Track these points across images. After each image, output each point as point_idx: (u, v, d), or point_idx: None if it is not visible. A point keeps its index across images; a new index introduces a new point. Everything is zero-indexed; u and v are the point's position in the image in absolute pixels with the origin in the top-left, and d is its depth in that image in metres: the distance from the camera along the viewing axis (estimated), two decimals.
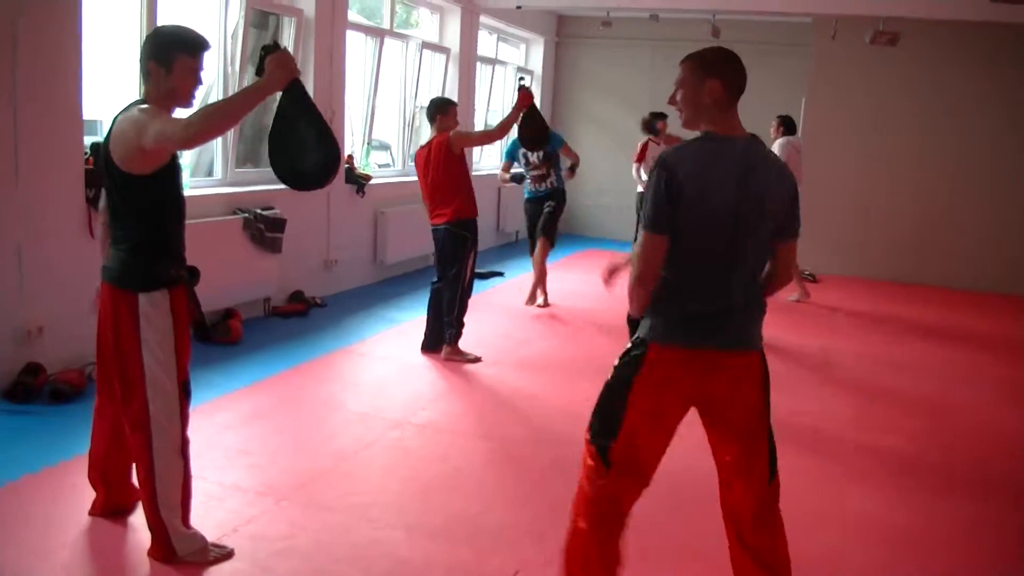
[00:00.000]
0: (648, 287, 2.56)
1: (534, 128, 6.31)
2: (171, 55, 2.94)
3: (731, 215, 2.51)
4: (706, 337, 2.57)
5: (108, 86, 5.18)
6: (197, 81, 3.02)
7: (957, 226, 10.11)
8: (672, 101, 2.68)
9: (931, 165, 10.13)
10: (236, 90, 6.11)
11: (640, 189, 9.10)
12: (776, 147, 8.24)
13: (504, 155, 7.91)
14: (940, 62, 9.91)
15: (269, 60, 2.89)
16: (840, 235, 10.35)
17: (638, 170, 8.88)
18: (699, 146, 2.58)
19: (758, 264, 2.66)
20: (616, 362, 2.66)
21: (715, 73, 2.57)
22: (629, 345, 2.64)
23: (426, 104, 9.81)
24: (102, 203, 3.17)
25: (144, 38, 3.01)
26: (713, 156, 2.55)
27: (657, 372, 2.57)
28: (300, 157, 3.09)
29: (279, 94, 3.03)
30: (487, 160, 11.45)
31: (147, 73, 2.97)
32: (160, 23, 5.45)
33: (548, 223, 7.64)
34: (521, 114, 6.04)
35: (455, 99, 6.79)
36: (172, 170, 3.04)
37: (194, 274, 3.15)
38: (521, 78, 6.05)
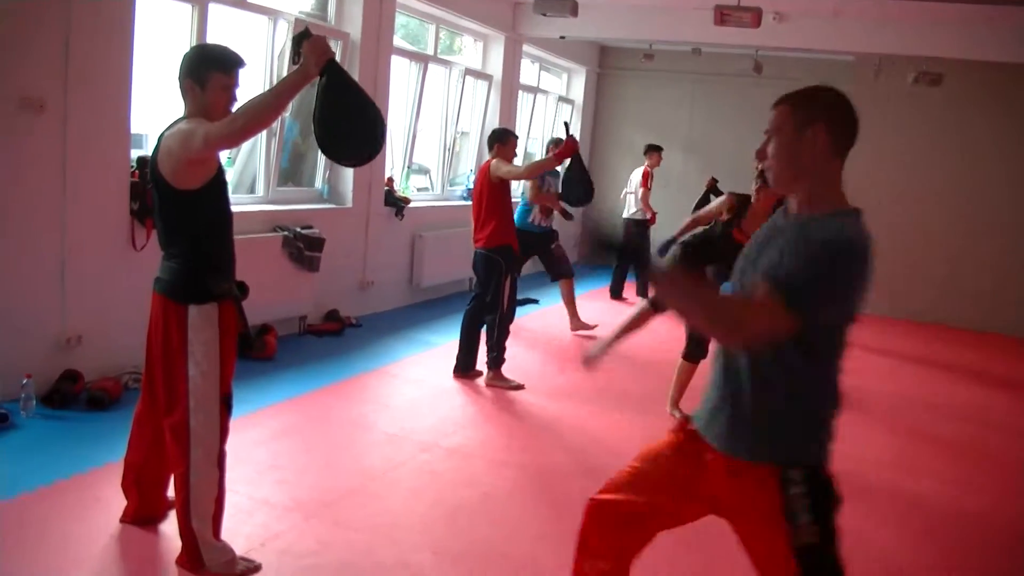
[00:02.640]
0: None
1: (577, 182, 6.27)
2: (205, 72, 3.00)
3: None
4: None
5: (156, 101, 5.28)
6: (232, 98, 3.07)
7: (998, 270, 9.96)
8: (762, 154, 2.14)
9: (973, 207, 10.00)
10: None
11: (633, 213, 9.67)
12: None
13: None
14: (983, 104, 9.82)
15: (304, 47, 2.92)
16: (876, 275, 10.24)
17: (646, 197, 9.46)
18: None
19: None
20: None
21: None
22: None
23: (466, 130, 10.00)
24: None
25: (181, 57, 3.07)
26: None
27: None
28: (347, 131, 3.08)
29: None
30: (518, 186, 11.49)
31: (184, 90, 3.04)
32: (208, 41, 5.55)
33: (566, 262, 7.94)
34: (565, 164, 6.07)
35: (496, 126, 6.84)
36: (219, 185, 3.10)
37: (243, 289, 3.19)
38: (565, 122, 6.10)
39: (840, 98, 2.06)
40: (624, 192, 10.00)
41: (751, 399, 2.07)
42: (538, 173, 6.17)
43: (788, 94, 2.10)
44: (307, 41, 2.92)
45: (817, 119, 2.02)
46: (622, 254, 2.08)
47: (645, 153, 9.93)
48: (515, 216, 7.64)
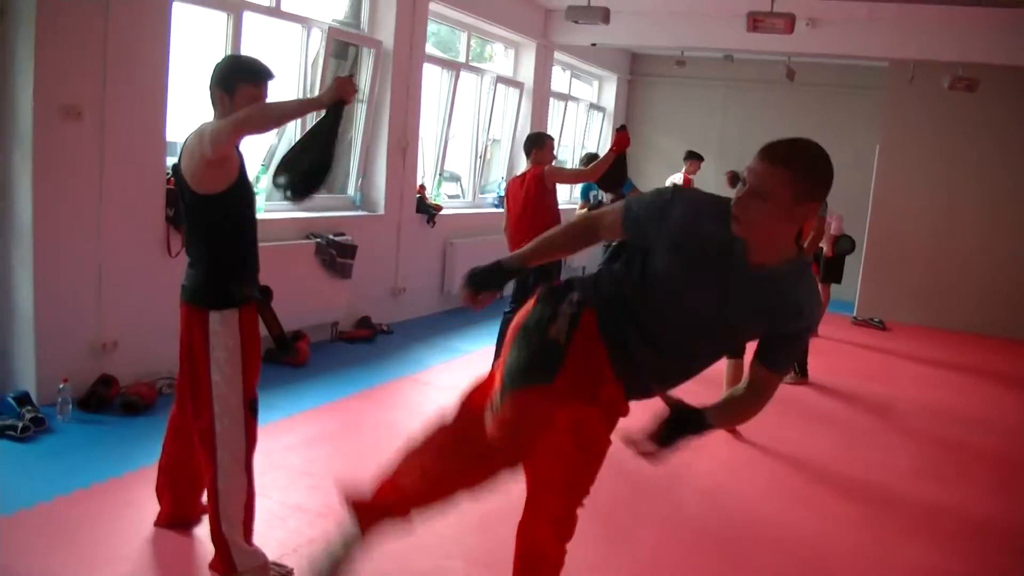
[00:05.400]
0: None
1: (616, 171, 6.27)
2: (234, 83, 3.01)
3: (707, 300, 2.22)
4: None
5: (192, 109, 5.33)
6: None
7: None
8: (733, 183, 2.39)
9: (1007, 214, 9.85)
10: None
11: None
12: None
13: (580, 194, 8.06)
14: (1018, 109, 9.68)
15: (334, 80, 2.98)
16: (910, 283, 10.11)
17: None
18: (724, 207, 2.09)
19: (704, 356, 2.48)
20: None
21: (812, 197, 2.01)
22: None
23: (497, 138, 10.00)
24: None
25: (213, 66, 3.10)
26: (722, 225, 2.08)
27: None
28: (301, 167, 3.05)
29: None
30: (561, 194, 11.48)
31: (213, 99, 3.06)
32: (243, 51, 5.61)
33: None
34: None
35: (528, 133, 6.84)
36: (242, 190, 3.10)
37: (265, 293, 3.20)
38: (623, 126, 6.09)
39: (830, 168, 2.03)
40: None
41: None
42: (602, 171, 6.12)
43: (786, 154, 1.99)
44: (338, 77, 2.98)
45: (816, 196, 2.00)
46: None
47: (685, 159, 9.76)
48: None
